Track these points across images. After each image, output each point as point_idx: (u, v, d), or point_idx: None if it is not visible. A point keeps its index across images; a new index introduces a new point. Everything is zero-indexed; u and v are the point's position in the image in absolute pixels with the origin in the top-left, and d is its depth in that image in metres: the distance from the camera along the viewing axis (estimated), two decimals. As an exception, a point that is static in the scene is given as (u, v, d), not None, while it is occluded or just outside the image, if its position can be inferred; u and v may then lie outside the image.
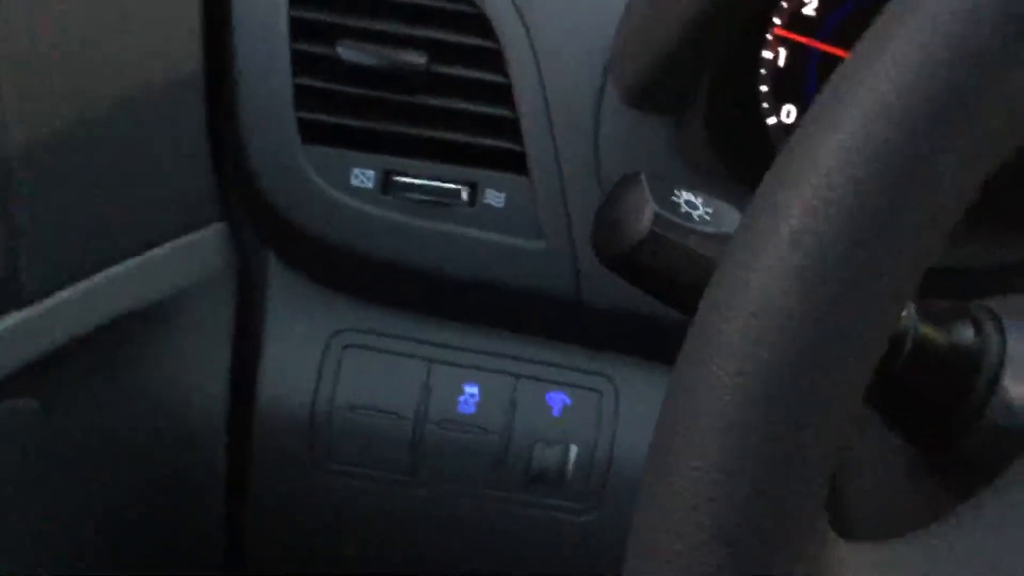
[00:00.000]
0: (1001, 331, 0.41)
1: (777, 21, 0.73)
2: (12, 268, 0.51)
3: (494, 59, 0.69)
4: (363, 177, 0.69)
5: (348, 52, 0.67)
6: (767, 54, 0.74)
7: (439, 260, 0.70)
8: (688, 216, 0.45)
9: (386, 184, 0.70)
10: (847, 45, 0.70)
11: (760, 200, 0.28)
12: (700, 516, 0.23)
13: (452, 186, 0.70)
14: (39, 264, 0.53)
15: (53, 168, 0.54)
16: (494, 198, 0.70)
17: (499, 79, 0.69)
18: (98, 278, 0.59)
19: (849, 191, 0.25)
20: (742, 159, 0.73)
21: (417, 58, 0.66)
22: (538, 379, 0.73)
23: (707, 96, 0.70)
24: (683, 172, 0.66)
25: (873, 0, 0.67)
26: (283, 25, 0.66)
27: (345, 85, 0.68)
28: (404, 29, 0.68)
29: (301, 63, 0.68)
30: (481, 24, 0.68)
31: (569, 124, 0.68)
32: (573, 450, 0.72)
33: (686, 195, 0.46)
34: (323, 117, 0.69)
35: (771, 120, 0.75)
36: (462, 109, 0.70)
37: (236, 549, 0.77)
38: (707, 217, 0.46)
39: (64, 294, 0.56)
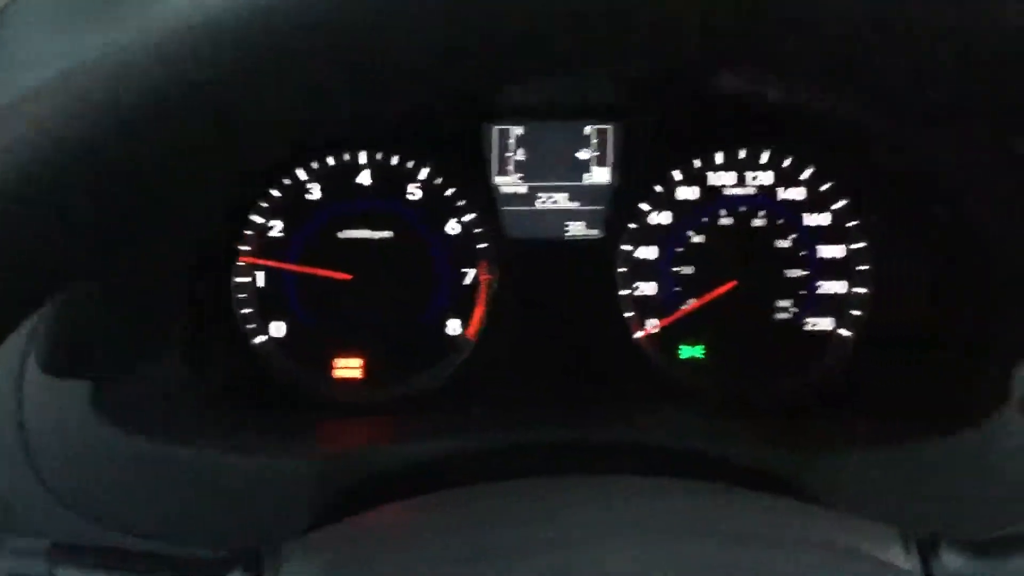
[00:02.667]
0: None
1: (245, 248, 0.77)
2: None
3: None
4: None
5: None
6: (242, 279, 0.77)
7: None
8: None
9: None
10: (317, 262, 0.77)
11: None
12: None
13: None
14: None
15: None
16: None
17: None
18: None
19: None
20: (230, 384, 0.74)
21: None
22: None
23: (187, 338, 0.70)
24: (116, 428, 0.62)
25: (337, 217, 0.76)
26: None
27: None
28: None
29: None
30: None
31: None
32: None
33: None
34: None
35: (260, 339, 0.77)
36: None
37: None
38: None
39: None
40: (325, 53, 0.32)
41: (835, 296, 0.78)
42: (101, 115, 0.32)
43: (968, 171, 0.65)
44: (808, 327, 0.78)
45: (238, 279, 0.77)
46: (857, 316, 0.78)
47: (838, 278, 0.78)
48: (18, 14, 0.78)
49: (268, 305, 0.78)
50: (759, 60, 0.35)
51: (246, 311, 0.77)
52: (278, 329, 0.78)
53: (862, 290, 0.78)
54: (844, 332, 0.78)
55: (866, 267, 0.78)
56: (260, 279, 0.77)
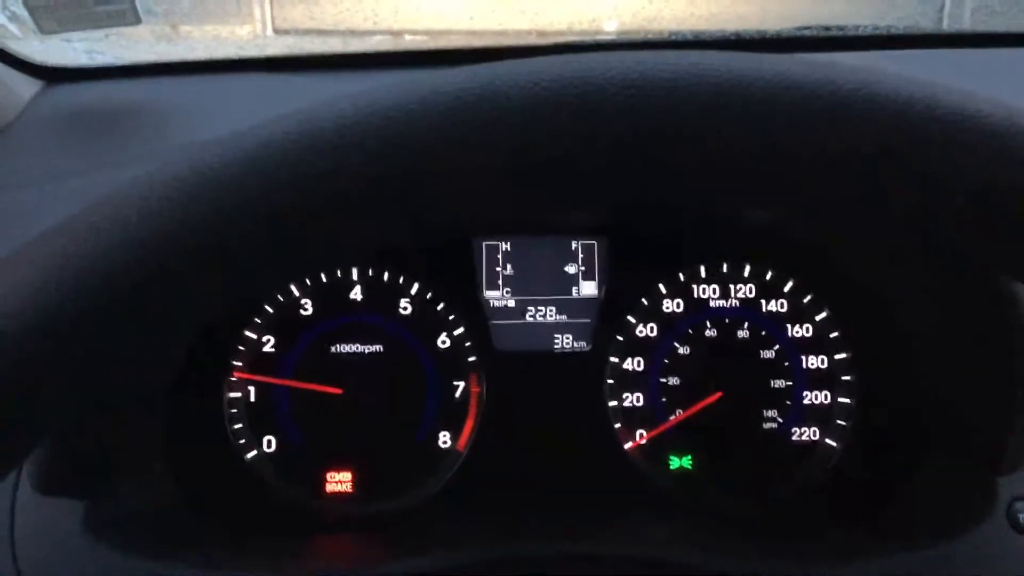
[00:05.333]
0: None
1: (238, 364, 0.77)
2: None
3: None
4: None
5: None
6: (234, 394, 0.78)
7: None
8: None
9: None
10: (309, 376, 0.77)
11: None
12: None
13: None
14: None
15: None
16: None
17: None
18: None
19: None
20: (221, 499, 0.74)
21: None
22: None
23: (178, 454, 0.70)
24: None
25: (329, 332, 0.77)
26: None
27: None
28: None
29: None
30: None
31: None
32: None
33: None
34: None
35: (251, 454, 0.77)
36: None
37: None
38: None
39: None
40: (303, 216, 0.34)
41: (820, 406, 0.79)
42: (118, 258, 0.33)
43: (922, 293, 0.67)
44: (794, 437, 0.79)
45: (230, 394, 0.78)
46: (842, 426, 0.79)
47: (822, 388, 0.79)
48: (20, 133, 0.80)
49: (259, 420, 0.78)
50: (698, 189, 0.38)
51: (237, 426, 0.77)
52: (269, 444, 0.78)
53: (846, 400, 0.79)
54: (830, 442, 0.79)
55: (849, 377, 0.79)
56: (252, 394, 0.78)
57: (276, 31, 1.26)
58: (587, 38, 1.07)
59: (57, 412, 0.35)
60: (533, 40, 1.03)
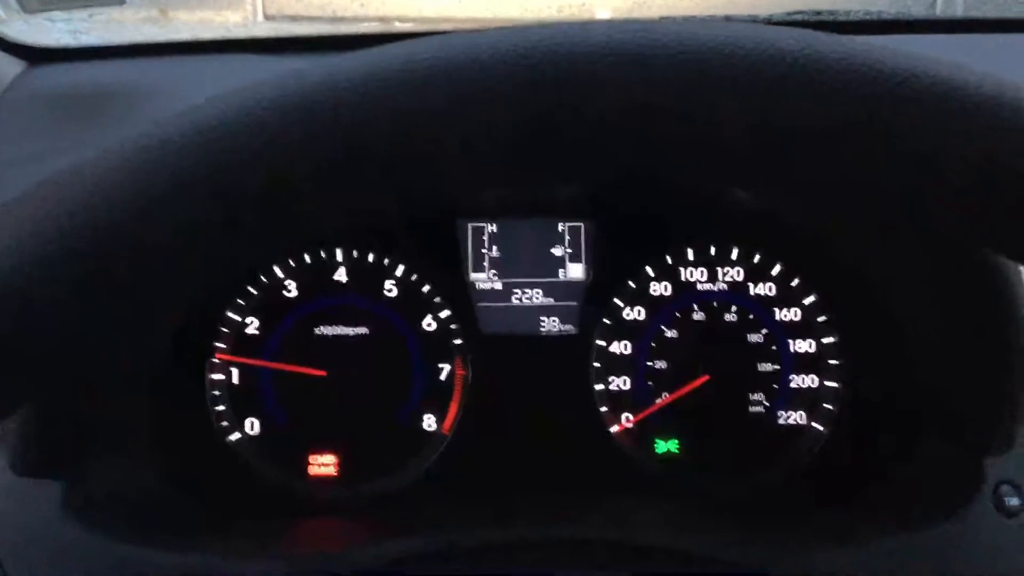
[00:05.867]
0: None
1: (221, 346, 0.77)
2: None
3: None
4: None
5: None
6: (217, 376, 0.77)
7: None
8: None
9: None
10: (293, 358, 0.77)
11: None
12: None
13: None
14: None
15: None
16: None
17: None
18: None
19: None
20: (204, 482, 0.74)
21: None
22: None
23: (159, 436, 0.70)
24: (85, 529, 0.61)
25: (313, 313, 0.77)
26: None
27: None
28: None
29: None
30: None
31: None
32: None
33: None
34: None
35: (234, 436, 0.77)
36: None
37: None
38: None
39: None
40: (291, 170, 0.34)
41: (807, 390, 0.79)
42: (88, 216, 0.32)
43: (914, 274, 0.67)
44: (781, 420, 0.79)
45: (213, 376, 0.77)
46: (829, 410, 0.79)
47: (809, 372, 0.79)
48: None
49: (242, 402, 0.77)
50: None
51: (220, 408, 0.77)
52: (252, 426, 0.77)
53: (834, 384, 0.79)
54: (817, 426, 0.79)
55: (837, 361, 0.79)
56: (235, 376, 0.77)
57: (267, 17, 1.26)
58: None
59: (29, 386, 0.35)
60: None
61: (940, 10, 1.05)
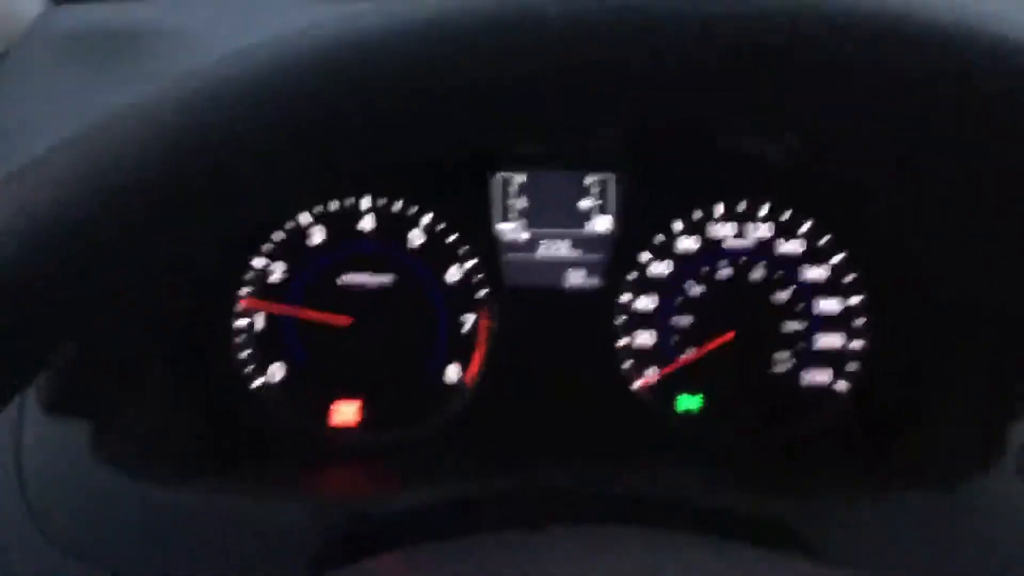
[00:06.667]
0: None
1: (244, 292, 0.77)
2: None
3: None
4: None
5: None
6: (242, 322, 0.77)
7: None
8: None
9: None
10: (317, 305, 0.77)
11: None
12: None
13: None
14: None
15: None
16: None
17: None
18: None
19: None
20: (228, 428, 0.74)
21: None
22: None
23: (185, 380, 0.70)
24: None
25: (338, 261, 0.77)
26: None
27: None
28: None
29: None
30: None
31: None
32: None
33: None
34: None
35: (258, 382, 0.77)
36: None
37: None
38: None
39: None
40: (336, 108, 0.33)
41: (832, 350, 0.78)
42: (110, 164, 0.32)
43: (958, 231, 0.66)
44: (805, 380, 0.79)
45: (237, 322, 0.77)
46: (854, 370, 0.78)
47: (835, 331, 0.78)
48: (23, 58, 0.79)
49: (267, 348, 0.77)
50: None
51: (245, 354, 0.77)
52: (276, 372, 0.78)
53: (859, 344, 0.78)
54: (841, 385, 0.78)
55: (863, 321, 0.78)
56: (259, 322, 0.77)
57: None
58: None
59: (65, 323, 0.34)
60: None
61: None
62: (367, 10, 0.33)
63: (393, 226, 0.78)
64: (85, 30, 0.82)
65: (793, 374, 0.78)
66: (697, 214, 0.78)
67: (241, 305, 0.77)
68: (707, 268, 0.78)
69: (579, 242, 0.79)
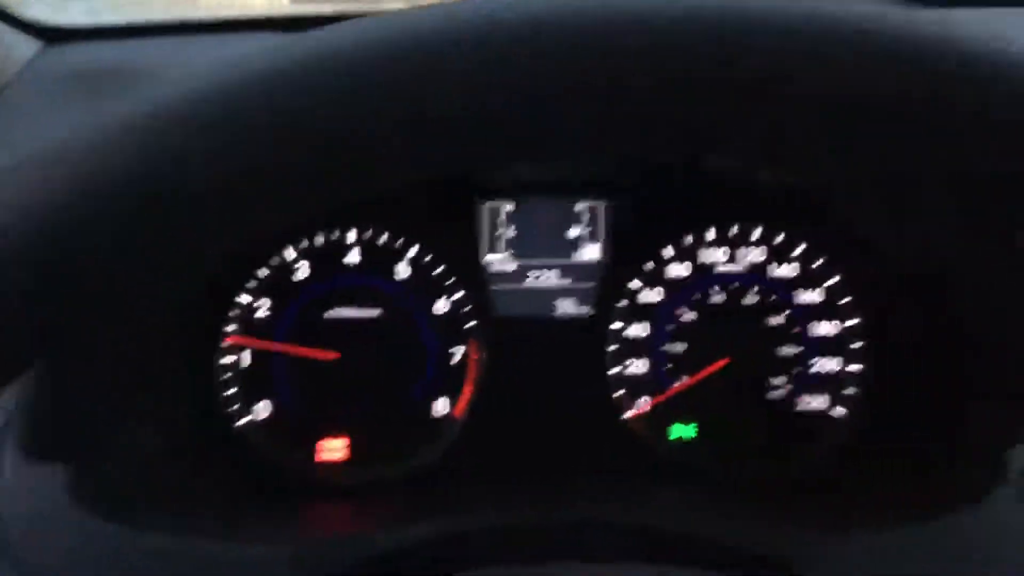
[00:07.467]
0: None
1: (230, 328, 0.76)
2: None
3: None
4: None
5: None
6: (228, 359, 0.76)
7: None
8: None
9: None
10: (304, 341, 0.76)
11: None
12: None
13: None
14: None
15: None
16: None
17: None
18: None
19: None
20: (214, 467, 0.73)
21: None
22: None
23: (168, 419, 0.70)
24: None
25: (324, 295, 0.76)
26: None
27: None
28: None
29: None
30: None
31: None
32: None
33: None
34: None
35: (244, 420, 0.76)
36: None
37: None
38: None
39: None
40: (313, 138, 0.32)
41: (829, 374, 0.76)
42: (92, 190, 0.31)
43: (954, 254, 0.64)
44: (802, 406, 0.77)
45: (223, 359, 0.77)
46: (851, 394, 0.76)
47: (832, 355, 0.77)
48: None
49: (253, 386, 0.77)
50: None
51: (230, 392, 0.76)
52: (262, 410, 0.77)
53: (856, 367, 0.76)
54: (839, 410, 0.76)
55: (860, 344, 0.76)
56: (245, 359, 0.77)
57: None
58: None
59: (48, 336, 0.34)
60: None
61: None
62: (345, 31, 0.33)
63: (379, 259, 0.77)
64: (80, 70, 0.83)
65: (789, 400, 0.77)
66: (688, 239, 0.77)
67: (226, 342, 0.76)
68: (699, 294, 0.77)
69: (568, 270, 0.78)
